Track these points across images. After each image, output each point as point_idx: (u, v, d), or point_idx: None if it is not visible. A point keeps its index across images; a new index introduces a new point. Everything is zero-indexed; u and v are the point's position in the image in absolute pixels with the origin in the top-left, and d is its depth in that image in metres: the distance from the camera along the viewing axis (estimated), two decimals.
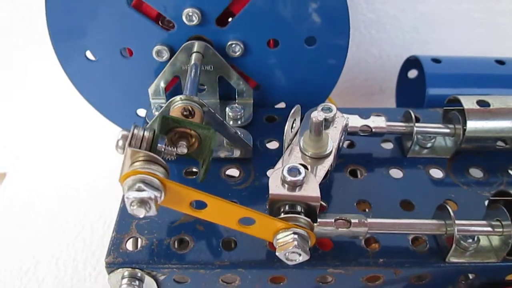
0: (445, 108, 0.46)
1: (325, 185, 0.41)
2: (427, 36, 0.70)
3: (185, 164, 0.43)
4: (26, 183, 0.68)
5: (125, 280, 0.35)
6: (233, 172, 0.44)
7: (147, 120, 0.47)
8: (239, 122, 0.48)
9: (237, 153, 0.44)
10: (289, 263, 0.33)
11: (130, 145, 0.31)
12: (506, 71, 0.54)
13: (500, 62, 0.55)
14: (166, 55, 0.47)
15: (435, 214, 0.37)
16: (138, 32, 0.46)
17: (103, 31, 0.46)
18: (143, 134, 0.32)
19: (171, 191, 0.31)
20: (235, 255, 0.36)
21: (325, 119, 0.39)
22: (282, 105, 0.53)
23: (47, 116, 0.76)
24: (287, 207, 0.34)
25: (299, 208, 0.34)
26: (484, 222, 0.36)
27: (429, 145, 0.45)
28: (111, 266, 0.36)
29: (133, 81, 0.50)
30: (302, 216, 0.33)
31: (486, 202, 0.39)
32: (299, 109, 0.40)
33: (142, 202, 0.29)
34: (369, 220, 0.35)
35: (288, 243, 0.32)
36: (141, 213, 0.29)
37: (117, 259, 0.36)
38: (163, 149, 0.33)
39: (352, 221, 0.35)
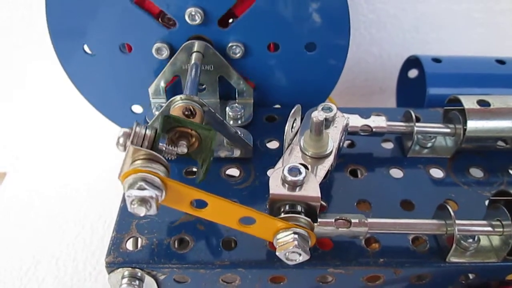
0: (445, 107, 0.46)
1: (325, 185, 0.41)
2: (428, 36, 0.70)
3: (185, 163, 0.43)
4: (26, 183, 0.68)
5: (125, 280, 0.35)
6: (233, 171, 0.44)
7: (147, 120, 0.47)
8: (239, 122, 0.48)
9: (237, 153, 0.44)
10: (289, 263, 0.33)
11: (132, 143, 0.31)
12: (506, 70, 0.54)
13: (501, 61, 0.55)
14: (165, 53, 0.47)
15: (436, 214, 0.37)
16: (139, 28, 0.46)
17: (104, 26, 0.46)
18: (145, 133, 0.32)
19: (172, 190, 0.31)
20: (235, 254, 0.36)
21: (326, 119, 0.39)
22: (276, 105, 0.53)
23: (47, 116, 0.76)
24: (287, 207, 0.34)
25: (299, 208, 0.34)
26: (484, 222, 0.36)
27: (429, 145, 0.45)
28: (111, 266, 0.36)
29: (130, 78, 0.50)
30: (302, 216, 0.33)
31: (487, 202, 0.39)
32: (299, 108, 0.40)
33: (143, 201, 0.29)
34: (369, 220, 0.35)
35: (288, 243, 0.32)
36: (141, 211, 0.29)
37: (117, 258, 0.36)
38: (164, 148, 0.33)
39: (352, 221, 0.35)
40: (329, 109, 0.41)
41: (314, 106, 0.41)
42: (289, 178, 0.33)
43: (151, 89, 0.48)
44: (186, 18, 0.45)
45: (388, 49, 0.71)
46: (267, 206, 0.35)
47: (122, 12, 0.45)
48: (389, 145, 0.47)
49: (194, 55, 0.46)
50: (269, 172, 0.43)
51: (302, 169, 0.33)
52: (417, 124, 0.44)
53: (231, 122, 0.48)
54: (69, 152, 0.72)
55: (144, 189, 0.29)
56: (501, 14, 0.69)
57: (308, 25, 0.46)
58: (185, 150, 0.35)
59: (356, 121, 0.43)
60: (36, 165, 0.71)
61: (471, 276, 0.38)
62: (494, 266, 0.36)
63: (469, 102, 0.43)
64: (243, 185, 0.42)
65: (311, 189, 0.33)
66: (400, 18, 0.68)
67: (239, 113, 0.48)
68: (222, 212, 0.32)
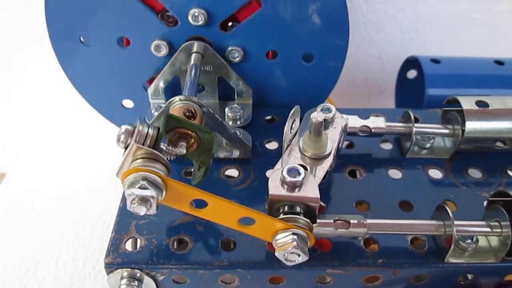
0: (444, 108, 0.46)
1: (324, 186, 0.41)
2: (427, 37, 0.70)
3: (184, 164, 0.43)
4: (26, 183, 0.68)
5: (124, 281, 0.35)
6: (232, 172, 0.44)
7: (147, 120, 0.47)
8: (238, 123, 0.48)
9: (236, 154, 0.44)
10: (288, 263, 0.33)
11: (136, 141, 0.31)
12: (505, 71, 0.54)
13: (499, 62, 0.55)
14: (164, 50, 0.47)
15: (434, 214, 0.37)
16: (141, 23, 0.46)
17: (104, 17, 0.46)
18: (148, 131, 0.32)
19: (172, 190, 0.31)
20: (234, 255, 0.36)
21: (325, 120, 0.39)
22: None
23: (47, 116, 0.76)
24: (286, 208, 0.34)
25: (298, 209, 0.34)
26: (483, 222, 0.36)
27: (428, 145, 0.46)
28: (110, 267, 0.36)
29: (125, 72, 0.50)
30: (301, 217, 0.33)
31: (485, 203, 0.39)
32: (298, 109, 0.40)
33: (143, 200, 0.29)
34: (368, 221, 0.35)
35: (287, 244, 0.32)
36: (141, 211, 0.29)
37: (116, 259, 0.36)
38: (164, 148, 0.33)
39: (351, 221, 0.35)
40: (328, 110, 0.41)
41: (313, 107, 0.41)
42: (288, 179, 0.33)
43: (150, 90, 0.48)
44: (189, 18, 0.45)
45: (387, 49, 0.71)
46: (266, 207, 0.35)
47: (124, 6, 0.45)
48: (388, 146, 0.47)
49: (193, 55, 0.46)
50: (268, 173, 0.43)
51: (301, 170, 0.33)
52: (416, 124, 0.44)
53: (230, 123, 0.48)
54: (69, 152, 0.72)
55: (145, 188, 0.29)
56: (501, 15, 0.69)
57: (308, 30, 0.46)
58: (184, 151, 0.35)
59: (355, 121, 0.43)
60: (36, 165, 0.71)
61: (469, 276, 0.38)
62: (493, 266, 0.37)
63: (467, 103, 0.43)
64: (242, 185, 0.42)
65: (310, 190, 0.33)
66: (399, 19, 0.68)
67: (238, 113, 0.48)
68: (222, 212, 0.33)
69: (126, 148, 0.32)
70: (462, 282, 0.38)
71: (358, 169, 0.44)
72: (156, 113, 0.41)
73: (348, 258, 0.37)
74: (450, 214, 0.35)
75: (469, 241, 0.36)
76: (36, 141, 0.74)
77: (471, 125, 0.43)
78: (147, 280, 0.36)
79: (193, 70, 0.44)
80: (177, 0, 0.44)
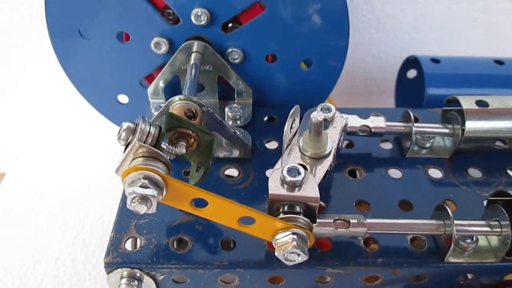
0: (444, 108, 0.46)
1: (324, 185, 0.41)
2: (426, 36, 0.70)
3: (184, 164, 0.43)
4: (26, 183, 0.68)
5: (124, 280, 0.35)
6: (232, 172, 0.44)
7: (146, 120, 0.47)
8: (238, 122, 0.48)
9: (236, 153, 0.44)
10: (288, 263, 0.33)
11: (138, 139, 0.31)
12: (505, 71, 0.54)
13: (499, 62, 0.55)
14: (164, 47, 0.47)
15: (434, 214, 0.37)
16: (142, 19, 0.46)
17: (106, 11, 0.45)
18: (149, 130, 0.32)
19: (173, 189, 0.31)
20: (234, 255, 0.36)
21: (325, 119, 0.39)
22: None
23: (47, 116, 0.76)
24: (286, 208, 0.34)
25: (298, 209, 0.34)
26: (482, 222, 0.36)
27: (428, 145, 0.46)
28: (110, 266, 0.36)
29: (122, 67, 0.49)
30: (301, 217, 0.33)
31: (485, 202, 0.39)
32: (298, 109, 0.40)
33: (144, 199, 0.29)
34: (368, 221, 0.35)
35: (287, 243, 0.32)
36: (142, 209, 0.29)
37: (116, 259, 0.36)
38: (165, 147, 0.33)
39: (351, 221, 0.35)
40: (328, 110, 0.41)
41: (313, 107, 0.41)
42: (288, 178, 0.33)
43: (150, 90, 0.48)
44: (192, 17, 0.45)
45: (387, 49, 0.71)
46: (266, 207, 0.35)
47: (127, 1, 0.45)
48: (387, 145, 0.47)
49: (193, 55, 0.46)
50: (268, 173, 0.43)
51: (301, 170, 0.33)
52: (415, 124, 0.44)
53: (230, 123, 0.48)
54: (69, 152, 0.72)
55: (146, 187, 0.29)
56: (501, 14, 0.69)
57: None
58: (184, 151, 0.35)
59: (355, 121, 0.43)
60: (36, 165, 0.71)
61: (469, 276, 0.38)
62: (493, 266, 0.37)
63: (467, 103, 0.43)
64: (242, 185, 0.42)
65: (310, 190, 0.33)
66: (399, 19, 0.68)
67: (238, 113, 0.48)
68: (222, 211, 0.33)
69: (126, 145, 0.32)
70: (462, 282, 0.38)
71: (358, 169, 0.44)
72: (156, 113, 0.41)
73: (348, 258, 0.37)
74: (450, 214, 0.35)
75: (469, 240, 0.36)
76: (36, 141, 0.74)
77: (471, 125, 0.43)
78: (147, 280, 0.36)
79: (193, 70, 0.44)
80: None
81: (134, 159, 0.31)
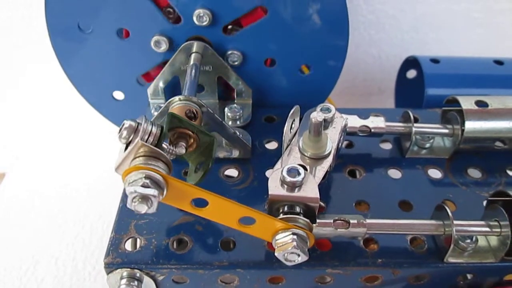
0: (443, 108, 0.46)
1: (324, 186, 0.41)
2: (426, 36, 0.70)
3: (183, 164, 0.43)
4: (26, 183, 0.68)
5: (124, 281, 0.36)
6: (232, 172, 0.44)
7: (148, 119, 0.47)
8: (238, 123, 0.48)
9: (236, 153, 0.44)
10: (288, 263, 0.33)
11: (141, 138, 0.31)
12: (504, 71, 0.54)
13: (499, 62, 0.55)
14: (164, 46, 0.47)
15: (434, 214, 0.37)
16: (143, 17, 0.45)
17: (108, 7, 0.45)
18: (151, 129, 0.32)
19: (173, 188, 0.31)
20: (233, 255, 0.36)
21: (324, 120, 0.39)
22: None
23: (47, 116, 0.76)
24: (286, 208, 0.34)
25: (298, 209, 0.34)
26: (482, 222, 0.36)
27: (427, 145, 0.46)
28: (110, 267, 0.36)
29: (119, 63, 0.49)
30: (301, 217, 0.33)
31: (485, 203, 0.39)
32: (298, 109, 0.40)
33: (145, 198, 0.29)
34: (368, 221, 0.35)
35: (287, 244, 0.32)
36: (142, 209, 0.29)
37: (116, 259, 0.36)
38: (166, 147, 0.33)
39: (351, 221, 0.35)
40: (328, 110, 0.41)
41: (313, 107, 0.41)
42: (288, 179, 0.33)
43: (149, 90, 0.48)
44: (194, 18, 0.45)
45: (387, 49, 0.71)
46: (266, 207, 0.35)
47: None
48: (387, 146, 0.47)
49: (193, 55, 0.46)
50: (267, 173, 0.43)
51: (301, 170, 0.33)
52: (415, 124, 0.44)
53: (230, 123, 0.48)
54: (69, 152, 0.72)
55: (147, 186, 0.29)
56: (501, 14, 0.69)
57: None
58: (183, 151, 0.35)
59: (354, 121, 0.43)
60: (36, 165, 0.71)
61: (469, 276, 0.38)
62: (492, 266, 0.37)
63: (467, 103, 0.43)
64: (241, 185, 0.42)
65: (310, 190, 0.33)
66: (399, 19, 0.68)
67: (237, 113, 0.48)
68: (223, 211, 0.33)
69: (127, 144, 0.32)
70: (461, 282, 0.38)
71: (358, 169, 0.44)
72: (156, 113, 0.41)
73: (347, 258, 0.37)
74: (450, 214, 0.35)
75: (468, 241, 0.37)
76: (36, 141, 0.74)
77: (471, 125, 0.43)
78: (147, 280, 0.36)
79: (193, 70, 0.44)
80: None
81: (135, 158, 0.31)
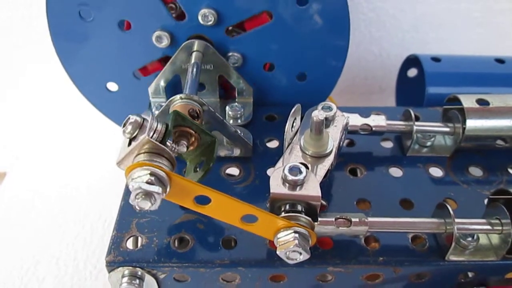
0: (444, 107, 0.46)
1: (325, 184, 0.41)
2: (427, 35, 0.70)
3: (184, 163, 0.43)
4: (26, 183, 0.68)
5: (125, 279, 0.36)
6: (233, 171, 0.44)
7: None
8: (239, 121, 0.48)
9: (237, 152, 0.44)
10: (290, 262, 0.33)
11: (148, 134, 0.31)
12: (505, 69, 0.54)
13: (500, 60, 0.55)
14: (165, 42, 0.47)
15: (435, 212, 0.37)
16: (147, 10, 0.45)
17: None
18: (157, 126, 0.32)
19: (176, 185, 0.31)
20: (235, 253, 0.36)
21: (326, 118, 0.39)
22: None
23: (48, 116, 0.76)
24: (287, 206, 0.34)
25: (299, 207, 0.34)
26: (483, 220, 0.36)
27: (428, 143, 0.46)
28: (112, 265, 0.36)
29: (117, 55, 0.49)
30: (303, 215, 0.33)
31: (486, 201, 0.39)
32: (299, 108, 0.40)
33: (148, 195, 0.29)
34: (369, 219, 0.35)
35: (289, 242, 0.32)
36: (145, 205, 0.29)
37: (117, 257, 0.36)
38: (169, 145, 0.33)
39: (353, 220, 0.35)
40: (329, 108, 0.41)
41: (314, 106, 0.41)
42: (290, 177, 0.33)
43: (150, 89, 0.48)
44: (199, 17, 0.45)
45: (388, 48, 0.71)
46: (268, 206, 0.35)
47: None
48: (388, 144, 0.47)
49: (194, 54, 0.46)
50: (269, 171, 0.43)
51: (303, 169, 0.33)
52: (416, 123, 0.44)
53: (231, 121, 0.48)
54: (69, 152, 0.72)
55: (152, 183, 0.29)
56: (501, 14, 0.69)
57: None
58: (184, 150, 0.35)
59: (356, 120, 0.43)
60: (36, 165, 0.71)
61: (470, 274, 0.38)
62: (493, 264, 0.37)
63: (468, 101, 0.43)
64: (243, 184, 0.42)
65: (312, 189, 0.33)
66: (399, 18, 0.68)
67: (239, 112, 0.48)
68: (225, 209, 0.33)
69: (131, 139, 0.31)
70: (462, 280, 0.38)
71: (359, 168, 0.44)
72: (157, 112, 0.41)
73: (349, 256, 0.37)
74: (451, 212, 0.35)
75: (469, 239, 0.37)
76: (36, 141, 0.74)
77: (472, 123, 0.43)
78: (148, 279, 0.36)
79: (194, 69, 0.44)
80: None
81: (138, 154, 0.31)
